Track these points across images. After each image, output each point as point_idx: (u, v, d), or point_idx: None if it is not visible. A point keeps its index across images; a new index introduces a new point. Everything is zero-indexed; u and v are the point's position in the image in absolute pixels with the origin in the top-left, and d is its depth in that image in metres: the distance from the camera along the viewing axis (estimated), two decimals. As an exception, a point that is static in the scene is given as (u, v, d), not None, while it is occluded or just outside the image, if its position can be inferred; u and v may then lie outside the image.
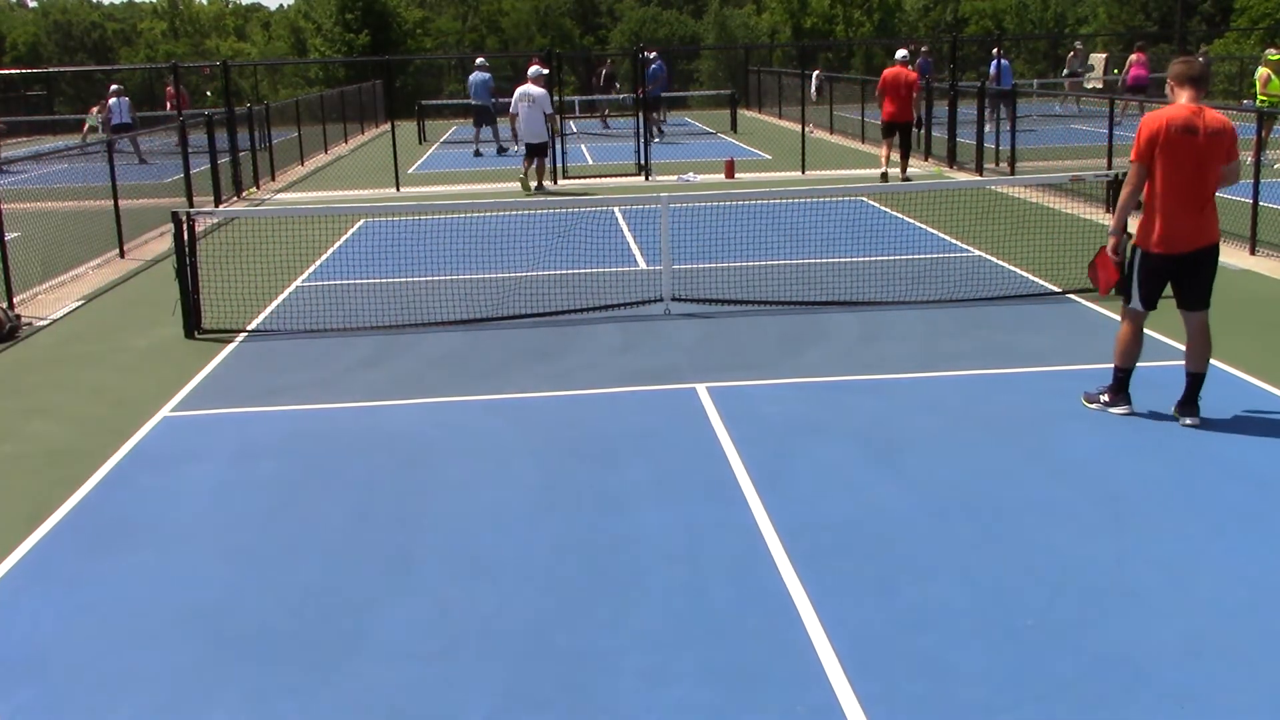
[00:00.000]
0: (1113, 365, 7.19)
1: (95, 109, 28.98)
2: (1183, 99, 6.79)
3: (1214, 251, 6.88)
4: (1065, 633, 4.61)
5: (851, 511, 5.86)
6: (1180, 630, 4.61)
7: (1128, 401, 7.16)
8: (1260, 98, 19.21)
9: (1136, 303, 7.03)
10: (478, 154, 24.35)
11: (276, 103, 27.86)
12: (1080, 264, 10.81)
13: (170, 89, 27.98)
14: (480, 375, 8.50)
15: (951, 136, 19.99)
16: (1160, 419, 7.08)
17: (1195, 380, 6.98)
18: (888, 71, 18.61)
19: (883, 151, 18.57)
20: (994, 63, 25.69)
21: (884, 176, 18.17)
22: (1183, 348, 8.55)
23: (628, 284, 11.11)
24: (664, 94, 26.51)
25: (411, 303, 10.58)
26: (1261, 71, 19.58)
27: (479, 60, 24.77)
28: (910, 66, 18.81)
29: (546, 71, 18.89)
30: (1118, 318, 9.50)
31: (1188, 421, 6.94)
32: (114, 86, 26.23)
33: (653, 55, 33.89)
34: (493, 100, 24.40)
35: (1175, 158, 6.66)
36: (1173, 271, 6.89)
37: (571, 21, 63.00)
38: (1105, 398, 7.23)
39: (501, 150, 24.44)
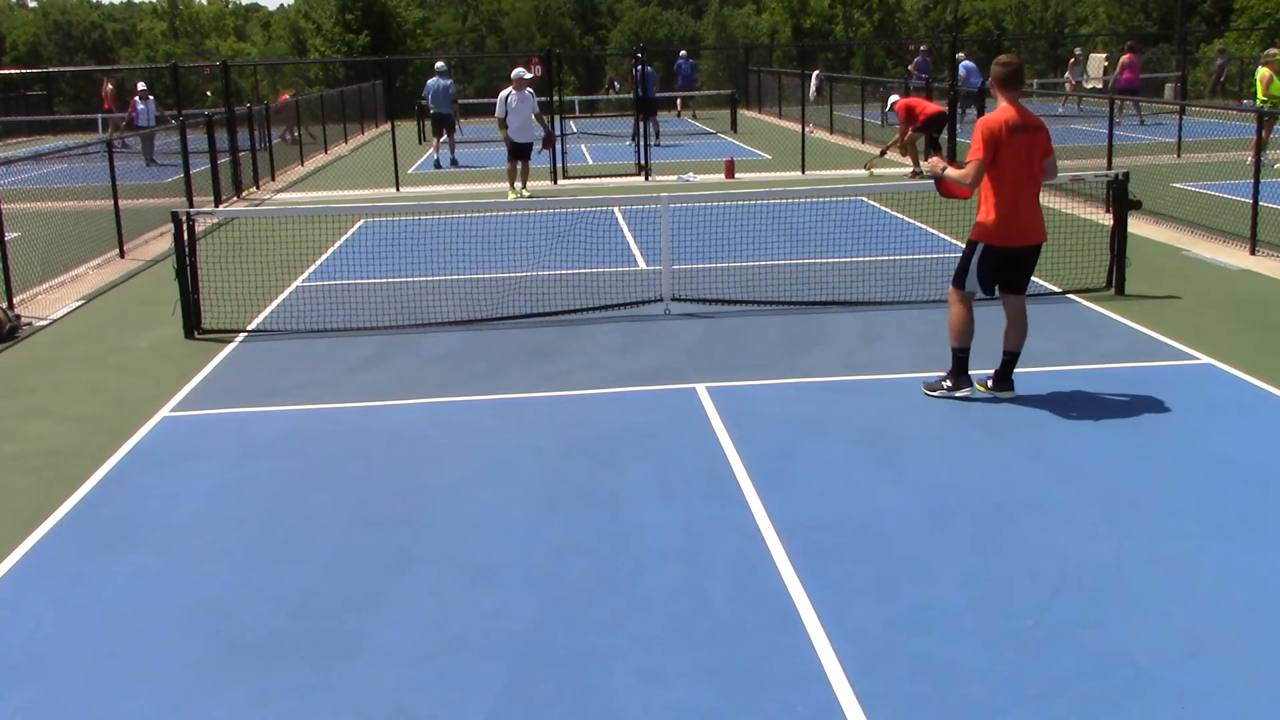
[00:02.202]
0: (951, 348, 7.51)
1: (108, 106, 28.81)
2: (1003, 100, 7.26)
3: (1040, 247, 7.42)
4: (1065, 633, 4.61)
5: (851, 511, 5.86)
6: (1180, 630, 4.61)
7: (969, 383, 7.50)
8: (1260, 98, 19.21)
9: (975, 288, 7.42)
10: (453, 163, 22.90)
11: (276, 103, 27.84)
12: (1081, 264, 10.84)
13: (285, 96, 27.90)
14: (480, 375, 8.50)
15: (951, 136, 19.98)
16: (1159, 419, 7.09)
17: (1012, 358, 7.48)
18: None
19: (921, 154, 19.08)
20: (960, 66, 25.58)
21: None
22: (1181, 346, 8.59)
23: (628, 284, 11.11)
24: (659, 94, 25.52)
25: (411, 303, 10.58)
26: (1263, 72, 19.58)
27: (438, 65, 23.35)
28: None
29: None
30: (1119, 317, 9.54)
31: (1005, 396, 7.43)
32: (141, 86, 25.76)
33: (683, 53, 34.26)
34: (453, 107, 23.30)
35: (1015, 157, 7.13)
36: (1012, 262, 7.33)
37: (571, 21, 62.98)
38: (948, 383, 7.52)
39: (454, 161, 22.97)
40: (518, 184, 18.12)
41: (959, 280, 7.48)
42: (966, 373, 7.50)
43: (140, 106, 25.24)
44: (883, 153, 19.83)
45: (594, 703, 4.26)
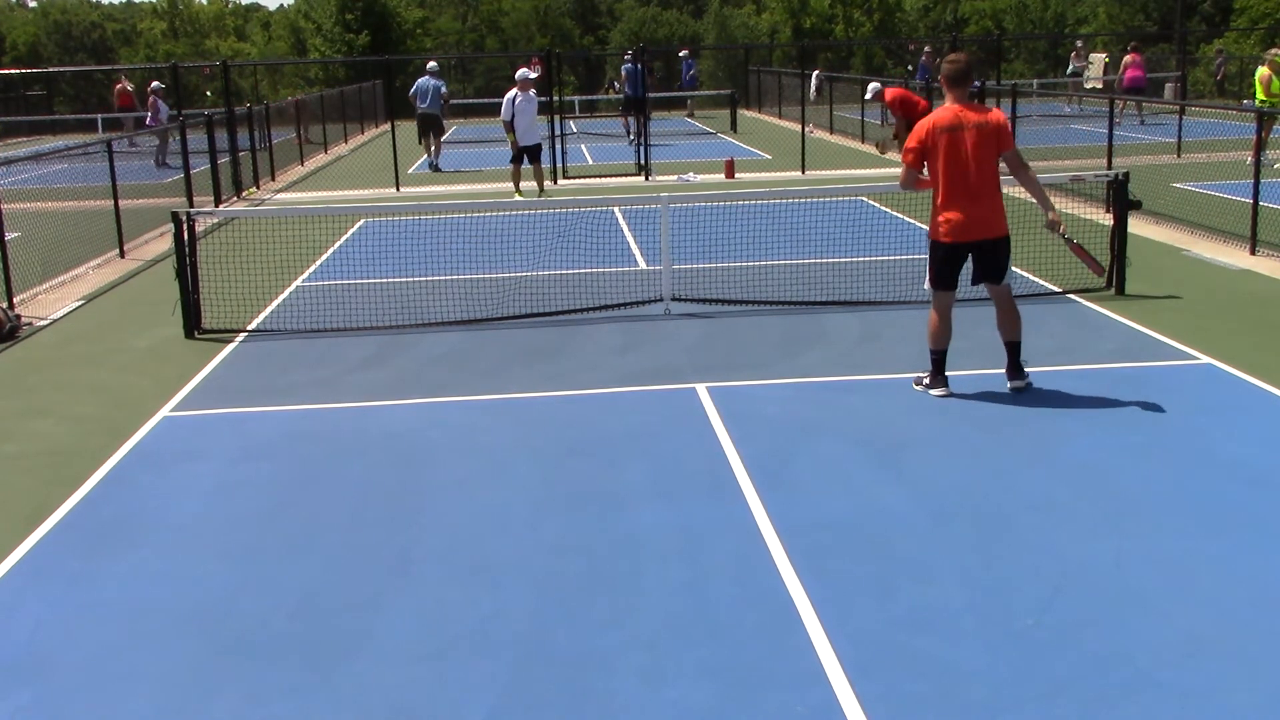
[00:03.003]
0: (930, 349, 7.63)
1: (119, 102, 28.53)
2: (948, 99, 7.33)
3: (1005, 241, 7.42)
4: (1065, 633, 4.61)
5: (851, 511, 5.86)
6: (1180, 630, 4.61)
7: (945, 384, 7.59)
8: (1260, 98, 19.20)
9: (931, 286, 7.57)
10: (433, 168, 22.36)
11: (276, 102, 27.85)
12: (1081, 264, 10.81)
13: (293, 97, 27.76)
14: (480, 375, 8.50)
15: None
16: (1159, 419, 7.09)
17: (1013, 349, 7.54)
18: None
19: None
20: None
21: None
22: (1181, 346, 8.60)
23: (628, 284, 11.11)
24: (649, 94, 24.32)
25: (411, 303, 10.58)
26: (1263, 71, 19.57)
27: (430, 65, 22.67)
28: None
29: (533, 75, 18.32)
30: (1119, 317, 9.55)
31: (1016, 385, 7.50)
32: (156, 84, 24.91)
33: (683, 54, 34.46)
34: (442, 108, 22.50)
35: (947, 156, 7.22)
36: (964, 257, 7.43)
37: (571, 21, 62.97)
38: (926, 381, 7.65)
39: (435, 167, 22.34)
40: (528, 184, 17.94)
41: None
42: (942, 373, 7.59)
43: (161, 106, 24.48)
44: (896, 134, 19.60)
45: (594, 703, 4.26)
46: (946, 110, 7.29)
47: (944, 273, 7.50)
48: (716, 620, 4.80)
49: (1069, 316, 9.63)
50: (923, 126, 7.31)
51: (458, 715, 4.22)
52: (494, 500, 6.18)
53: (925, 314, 9.76)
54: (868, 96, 19.55)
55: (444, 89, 22.63)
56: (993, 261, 7.44)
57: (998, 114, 7.43)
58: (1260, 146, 12.58)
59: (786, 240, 13.24)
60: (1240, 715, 4.05)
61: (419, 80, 22.67)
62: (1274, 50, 21.33)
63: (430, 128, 22.57)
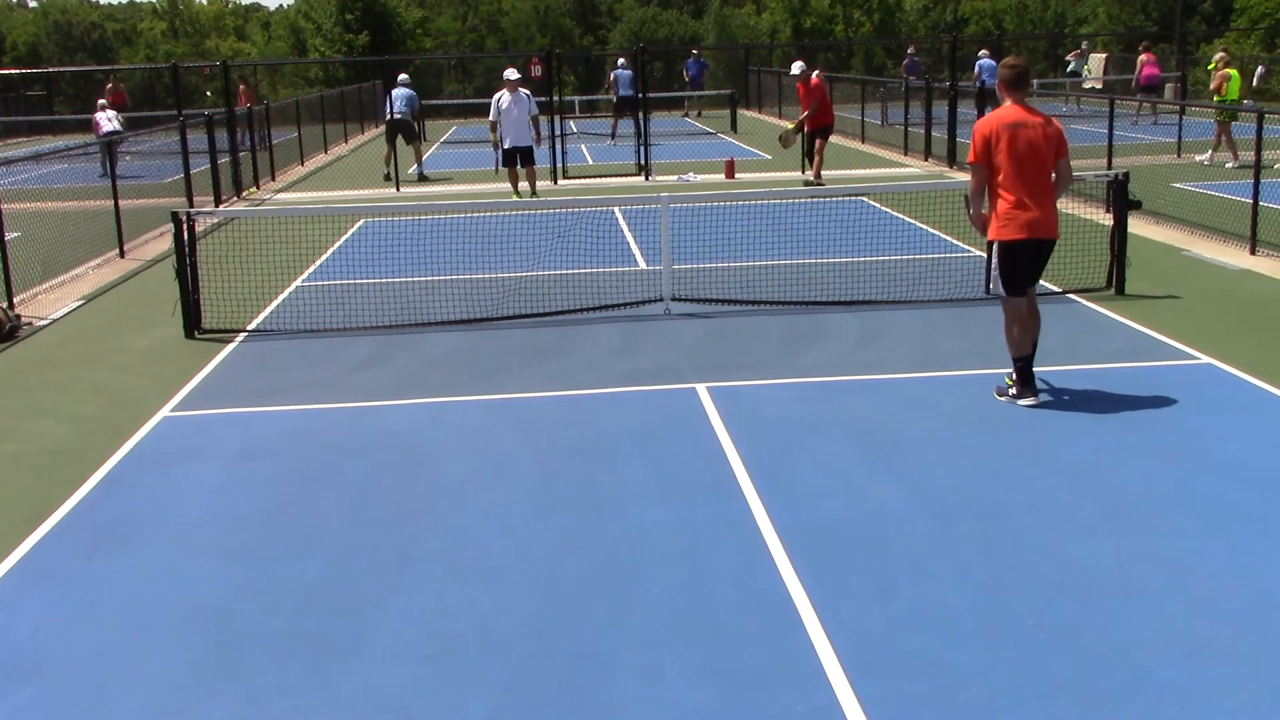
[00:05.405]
0: (1011, 358, 7.46)
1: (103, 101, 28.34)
2: (1007, 101, 7.29)
3: (1054, 244, 7.39)
4: (1065, 633, 4.61)
5: (851, 511, 5.86)
6: (1180, 630, 4.61)
7: (1035, 393, 7.39)
8: (1232, 96, 19.28)
9: (1001, 290, 7.40)
10: (421, 176, 21.39)
11: (276, 103, 27.85)
12: (1081, 264, 10.83)
13: (243, 87, 27.68)
14: (480, 375, 8.50)
15: (952, 137, 20.00)
16: (1159, 419, 7.09)
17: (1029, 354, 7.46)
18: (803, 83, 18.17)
19: (815, 161, 18.19)
20: (977, 64, 25.99)
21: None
22: (1181, 346, 8.61)
23: (628, 284, 11.11)
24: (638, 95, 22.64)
25: (411, 303, 10.58)
26: (1233, 72, 19.70)
27: (401, 76, 21.85)
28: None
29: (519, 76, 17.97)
30: (1119, 317, 9.55)
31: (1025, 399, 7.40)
32: (100, 101, 23.71)
33: (695, 52, 34.62)
34: (410, 114, 21.53)
35: (1015, 152, 7.14)
36: (1026, 257, 7.29)
37: (571, 21, 62.92)
38: (1013, 390, 7.46)
39: (421, 174, 21.46)
40: (522, 185, 17.78)
41: (988, 285, 7.53)
42: (1029, 382, 7.37)
43: (101, 121, 22.34)
44: (798, 128, 18.77)
45: (594, 703, 4.26)
46: (1009, 110, 7.24)
47: (1018, 274, 7.32)
48: (716, 620, 4.80)
49: (1069, 316, 9.63)
50: (988, 122, 7.23)
51: (458, 715, 4.22)
52: (494, 500, 6.18)
53: (925, 314, 9.79)
54: (794, 70, 18.80)
55: (416, 101, 21.63)
56: (1040, 263, 7.39)
57: (1055, 120, 7.41)
58: (1260, 146, 12.56)
59: (786, 240, 13.24)
60: (1240, 715, 4.05)
61: (394, 90, 21.46)
62: (1221, 54, 21.33)
63: (400, 133, 21.31)
